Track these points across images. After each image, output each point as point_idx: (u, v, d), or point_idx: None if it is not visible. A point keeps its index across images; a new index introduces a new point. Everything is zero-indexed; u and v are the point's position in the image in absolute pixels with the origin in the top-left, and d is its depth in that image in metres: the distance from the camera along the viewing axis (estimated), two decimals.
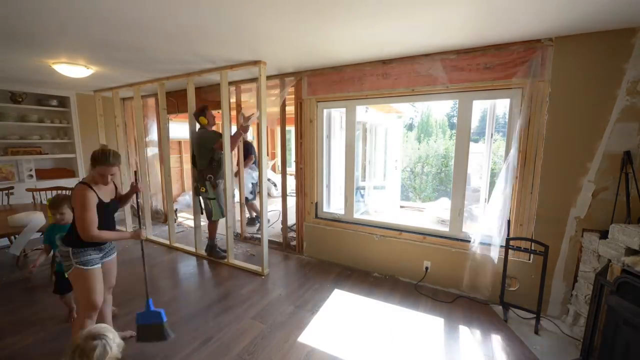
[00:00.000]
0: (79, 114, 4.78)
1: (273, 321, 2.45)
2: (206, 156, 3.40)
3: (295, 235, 3.97)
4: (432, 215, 4.53)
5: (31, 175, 4.39)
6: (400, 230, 3.18)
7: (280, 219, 4.07)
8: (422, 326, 2.41)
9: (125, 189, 3.32)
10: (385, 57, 2.89)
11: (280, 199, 3.92)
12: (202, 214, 3.69)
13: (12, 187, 3.93)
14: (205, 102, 4.46)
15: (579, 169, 2.29)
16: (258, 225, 4.67)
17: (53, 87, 4.39)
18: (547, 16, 1.93)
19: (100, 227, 1.79)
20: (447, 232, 2.97)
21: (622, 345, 1.71)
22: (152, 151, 5.25)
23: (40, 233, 2.87)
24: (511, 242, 2.44)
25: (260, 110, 3.12)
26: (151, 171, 5.14)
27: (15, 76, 3.66)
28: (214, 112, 3.74)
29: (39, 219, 2.87)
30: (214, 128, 3.60)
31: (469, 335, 2.30)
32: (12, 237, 3.65)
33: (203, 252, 3.77)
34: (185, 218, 5.53)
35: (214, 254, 3.63)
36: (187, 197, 6.34)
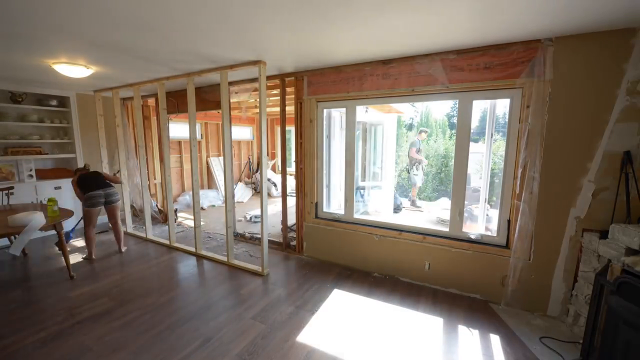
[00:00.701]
0: (79, 114, 4.78)
1: (273, 321, 2.45)
2: None
3: (295, 235, 3.97)
4: (432, 215, 4.53)
5: (31, 175, 4.39)
6: (400, 230, 3.18)
7: (280, 218, 4.07)
8: (422, 326, 2.41)
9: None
10: (385, 57, 2.89)
11: (280, 199, 3.92)
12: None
13: (12, 187, 3.93)
14: (205, 102, 4.48)
15: (579, 169, 2.29)
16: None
17: (53, 87, 4.39)
18: (547, 16, 1.93)
19: None
20: (447, 232, 2.97)
21: (622, 345, 1.70)
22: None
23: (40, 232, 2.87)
24: (511, 241, 2.44)
25: (260, 110, 3.12)
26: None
27: (15, 76, 3.66)
28: (214, 112, 3.74)
29: (39, 218, 2.87)
30: None
31: (469, 335, 2.30)
32: (12, 237, 3.66)
33: (203, 252, 3.77)
34: (185, 218, 5.53)
35: None
36: (187, 197, 6.34)
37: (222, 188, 6.74)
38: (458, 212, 2.90)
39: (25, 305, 2.68)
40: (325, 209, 3.70)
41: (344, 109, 3.45)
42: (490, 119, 3.13)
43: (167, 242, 4.13)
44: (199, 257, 3.75)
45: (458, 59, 2.64)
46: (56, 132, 4.82)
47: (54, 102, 4.59)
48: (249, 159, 8.20)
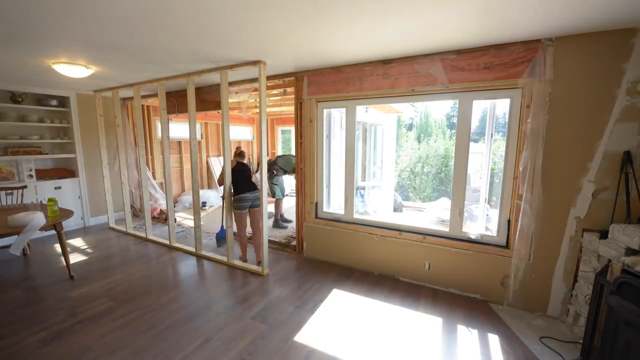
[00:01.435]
0: (79, 114, 4.78)
1: (273, 321, 2.46)
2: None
3: (295, 235, 3.97)
4: (432, 215, 4.53)
5: (31, 175, 4.39)
6: (400, 230, 3.18)
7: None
8: (422, 326, 2.41)
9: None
10: (385, 57, 2.89)
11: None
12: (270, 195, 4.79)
13: (25, 187, 3.92)
14: (205, 102, 4.48)
15: (579, 169, 2.29)
16: (286, 225, 4.86)
17: (53, 87, 4.39)
18: (547, 16, 1.93)
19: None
20: (447, 232, 2.97)
21: (622, 345, 1.71)
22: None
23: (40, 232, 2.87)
24: (511, 241, 2.44)
25: (260, 110, 3.12)
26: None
27: (15, 76, 3.65)
28: (214, 112, 3.74)
29: (39, 218, 2.87)
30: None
31: (468, 335, 2.30)
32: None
33: (203, 252, 3.77)
34: (184, 218, 5.53)
35: (278, 225, 4.78)
36: (187, 197, 6.33)
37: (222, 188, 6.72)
38: (458, 212, 2.90)
39: (26, 305, 2.68)
40: (325, 209, 3.70)
41: (343, 109, 3.45)
42: (490, 119, 3.13)
43: (167, 242, 4.14)
44: (199, 257, 3.75)
45: (458, 59, 2.64)
46: (56, 132, 4.82)
47: (54, 102, 4.59)
48: (249, 159, 8.20)
